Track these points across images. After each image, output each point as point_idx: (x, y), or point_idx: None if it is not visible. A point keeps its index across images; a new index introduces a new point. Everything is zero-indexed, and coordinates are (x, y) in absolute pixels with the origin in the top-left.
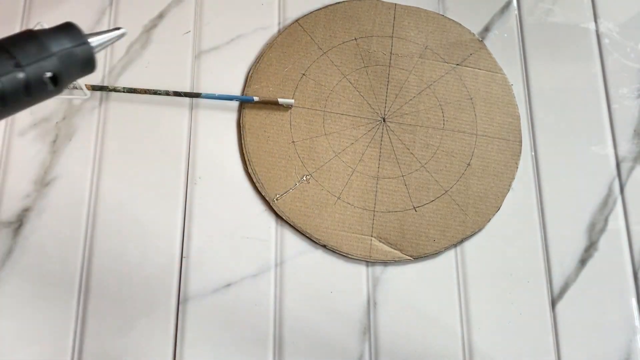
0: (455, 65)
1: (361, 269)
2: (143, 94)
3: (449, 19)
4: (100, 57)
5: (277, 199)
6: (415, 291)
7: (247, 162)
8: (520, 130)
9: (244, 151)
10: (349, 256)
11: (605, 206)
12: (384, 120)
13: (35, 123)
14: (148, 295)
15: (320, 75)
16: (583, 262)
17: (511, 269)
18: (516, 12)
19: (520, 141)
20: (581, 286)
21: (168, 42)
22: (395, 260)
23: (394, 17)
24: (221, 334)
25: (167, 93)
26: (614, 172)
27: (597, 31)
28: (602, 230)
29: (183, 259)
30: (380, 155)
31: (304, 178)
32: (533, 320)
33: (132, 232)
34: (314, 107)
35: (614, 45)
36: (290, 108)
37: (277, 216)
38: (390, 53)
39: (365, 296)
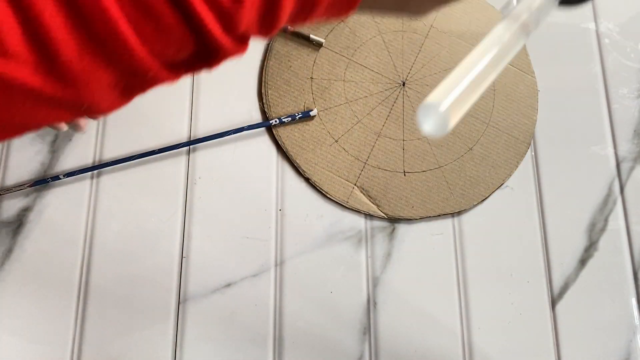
0: None
1: (361, 268)
2: None
3: (500, 13)
4: None
5: (274, 123)
6: (415, 291)
7: (263, 83)
8: (532, 134)
9: (263, 72)
10: (328, 195)
11: (605, 206)
12: (404, 84)
13: None
14: (148, 295)
15: (357, 26)
16: (583, 262)
17: (511, 269)
18: None
19: (529, 144)
20: (581, 286)
21: None
22: (370, 214)
23: None
24: (221, 334)
25: None
26: (614, 172)
27: (597, 31)
28: (602, 230)
29: (183, 259)
30: (388, 115)
31: (310, 113)
32: (533, 320)
33: (131, 232)
34: (342, 53)
35: (614, 45)
36: (320, 47)
37: (277, 147)
38: (431, 26)
39: (365, 296)
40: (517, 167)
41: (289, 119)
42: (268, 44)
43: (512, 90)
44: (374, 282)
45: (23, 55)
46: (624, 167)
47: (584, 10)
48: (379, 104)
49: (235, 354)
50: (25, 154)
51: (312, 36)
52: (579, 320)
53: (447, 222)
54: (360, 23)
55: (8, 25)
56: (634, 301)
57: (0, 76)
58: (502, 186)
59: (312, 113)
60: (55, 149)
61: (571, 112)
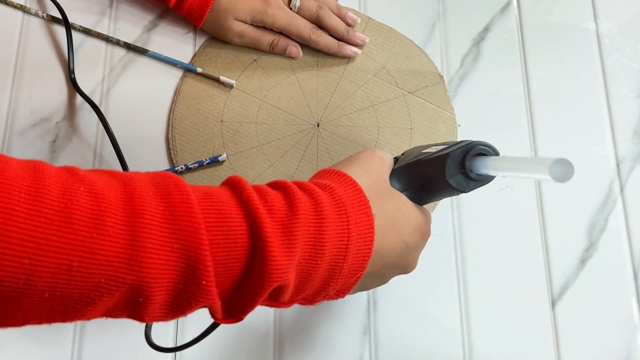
0: (406, 93)
1: None
2: (96, 37)
3: (418, 47)
4: (100, 57)
5: (181, 170)
6: (415, 291)
7: (170, 128)
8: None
9: (171, 116)
10: None
11: (605, 206)
12: (318, 125)
13: (35, 123)
14: None
15: (270, 66)
16: (583, 262)
17: (511, 269)
18: (516, 12)
19: None
20: (581, 286)
21: (168, 43)
22: None
23: (363, 31)
24: (221, 334)
25: (118, 42)
26: (614, 172)
27: (597, 31)
28: (602, 230)
29: None
30: (302, 158)
31: (218, 158)
32: (533, 320)
33: None
34: (254, 94)
35: (614, 45)
36: (231, 89)
37: None
38: (347, 63)
39: (365, 296)
40: (435, 205)
41: (196, 164)
42: (176, 88)
43: (429, 128)
44: None
45: (117, 235)
46: (624, 167)
47: (584, 10)
48: (293, 146)
49: (236, 353)
50: (26, 153)
51: (222, 77)
52: (579, 320)
53: (447, 222)
54: (274, 62)
55: (114, 203)
56: (634, 301)
57: (91, 249)
58: (502, 186)
59: (220, 158)
60: (55, 149)
61: (571, 112)
